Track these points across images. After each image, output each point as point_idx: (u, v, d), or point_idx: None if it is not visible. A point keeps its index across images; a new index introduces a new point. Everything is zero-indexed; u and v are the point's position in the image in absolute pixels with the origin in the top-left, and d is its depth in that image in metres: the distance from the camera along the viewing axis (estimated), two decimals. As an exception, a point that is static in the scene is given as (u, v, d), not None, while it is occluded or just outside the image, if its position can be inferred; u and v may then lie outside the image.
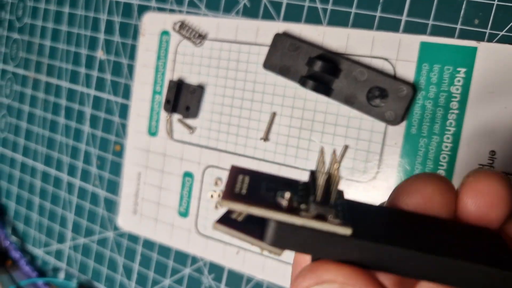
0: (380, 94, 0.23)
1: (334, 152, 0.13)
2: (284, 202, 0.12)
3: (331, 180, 0.12)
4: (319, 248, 0.12)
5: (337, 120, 0.25)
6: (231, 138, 0.28)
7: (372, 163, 0.24)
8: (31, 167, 0.38)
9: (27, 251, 0.38)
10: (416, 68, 0.23)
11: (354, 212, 0.13)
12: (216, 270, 0.29)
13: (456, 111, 0.22)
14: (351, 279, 0.12)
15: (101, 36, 0.33)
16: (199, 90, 0.29)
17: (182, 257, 0.30)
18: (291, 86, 0.26)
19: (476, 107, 0.22)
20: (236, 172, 0.14)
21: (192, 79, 0.29)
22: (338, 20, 0.25)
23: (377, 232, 0.13)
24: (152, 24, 0.31)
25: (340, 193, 0.13)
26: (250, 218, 0.13)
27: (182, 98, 0.29)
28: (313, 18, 0.25)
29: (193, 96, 0.29)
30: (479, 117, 0.22)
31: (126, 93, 0.32)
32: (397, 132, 0.24)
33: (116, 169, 0.33)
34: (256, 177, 0.13)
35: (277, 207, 0.12)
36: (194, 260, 0.30)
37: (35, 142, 0.37)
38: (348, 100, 0.24)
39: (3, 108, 0.40)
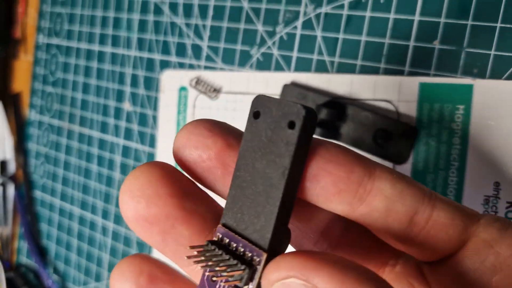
0: (385, 136, 0.25)
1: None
2: None
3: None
4: None
5: (348, 158, 0.27)
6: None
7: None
8: (68, 211, 0.41)
9: (68, 289, 0.41)
10: (417, 108, 0.25)
11: None
12: None
13: (458, 147, 0.24)
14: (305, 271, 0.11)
15: (128, 89, 0.36)
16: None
17: None
18: (303, 128, 0.28)
19: (477, 141, 0.23)
20: None
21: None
22: (344, 70, 0.27)
23: None
24: (171, 81, 0.33)
25: None
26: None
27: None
28: (321, 68, 0.27)
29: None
30: (481, 151, 0.23)
31: (152, 143, 0.35)
32: (405, 169, 0.25)
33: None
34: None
35: None
36: None
37: (72, 188, 0.40)
38: (356, 143, 0.26)
39: (41, 156, 0.43)
